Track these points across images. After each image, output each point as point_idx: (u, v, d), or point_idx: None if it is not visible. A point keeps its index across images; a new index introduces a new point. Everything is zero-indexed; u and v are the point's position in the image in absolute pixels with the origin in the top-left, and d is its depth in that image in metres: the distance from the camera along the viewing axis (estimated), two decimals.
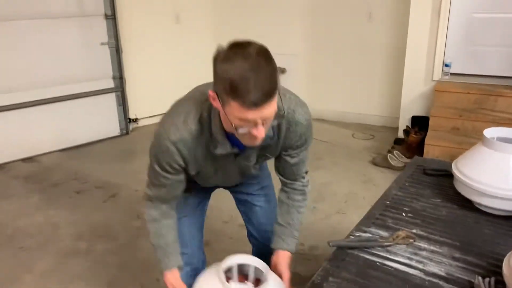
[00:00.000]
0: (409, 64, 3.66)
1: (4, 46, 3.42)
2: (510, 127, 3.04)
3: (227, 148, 1.11)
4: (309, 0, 4.25)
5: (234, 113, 0.93)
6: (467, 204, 1.15)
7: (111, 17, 3.88)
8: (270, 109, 0.93)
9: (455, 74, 3.60)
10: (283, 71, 4.31)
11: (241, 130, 0.96)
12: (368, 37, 4.08)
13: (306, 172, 1.31)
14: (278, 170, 1.30)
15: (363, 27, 4.06)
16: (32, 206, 2.80)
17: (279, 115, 1.05)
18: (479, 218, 1.10)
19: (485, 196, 1.04)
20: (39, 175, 3.33)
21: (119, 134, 4.19)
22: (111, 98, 4.09)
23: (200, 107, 1.09)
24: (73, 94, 3.84)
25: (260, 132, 0.96)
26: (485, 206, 1.07)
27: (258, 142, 1.02)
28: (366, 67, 4.16)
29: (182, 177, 1.19)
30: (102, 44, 3.92)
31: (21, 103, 3.57)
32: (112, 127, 4.16)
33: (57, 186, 3.11)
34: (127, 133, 4.23)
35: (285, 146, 1.20)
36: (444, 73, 3.58)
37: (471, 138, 3.08)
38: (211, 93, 0.97)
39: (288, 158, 1.24)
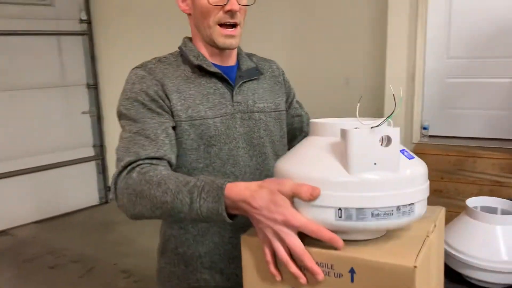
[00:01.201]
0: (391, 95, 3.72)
1: None
2: (491, 188, 3.07)
3: (209, 64, 1.08)
4: (288, 65, 4.37)
5: None
6: (457, 277, 1.11)
7: (93, 87, 3.92)
8: None
9: (434, 136, 3.67)
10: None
11: (213, 1, 1.00)
12: (345, 102, 4.17)
13: None
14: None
15: (341, 93, 4.18)
16: (3, 284, 2.64)
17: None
18: None
19: (474, 269, 1.00)
20: (12, 249, 3.18)
21: (98, 203, 4.10)
22: (91, 166, 4.05)
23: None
24: (52, 164, 3.79)
25: (235, 5, 1.01)
26: (475, 279, 1.03)
27: (234, 33, 1.05)
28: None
29: (169, 124, 1.00)
30: (83, 113, 3.94)
31: None
32: (91, 196, 4.07)
33: (31, 261, 2.96)
34: (106, 202, 4.14)
35: (287, 93, 1.26)
36: (423, 136, 3.64)
37: (454, 200, 3.08)
38: None
39: (299, 111, 1.30)
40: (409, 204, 0.68)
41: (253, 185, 0.75)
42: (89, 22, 4.13)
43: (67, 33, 3.95)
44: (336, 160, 0.68)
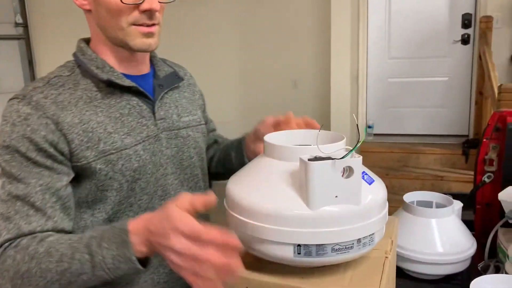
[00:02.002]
0: (334, 127, 3.82)
1: None
2: (432, 182, 3.20)
3: (120, 77, 0.86)
4: (240, 70, 4.38)
5: None
6: (397, 271, 1.14)
7: None
8: None
9: (378, 134, 3.80)
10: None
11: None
12: (294, 103, 4.24)
13: None
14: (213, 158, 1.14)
15: (289, 94, 4.23)
16: None
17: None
18: (408, 284, 1.08)
19: (412, 262, 1.03)
20: None
21: None
22: None
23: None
24: None
25: (154, 3, 0.81)
26: (414, 272, 1.06)
27: (153, 30, 0.85)
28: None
29: (61, 182, 0.78)
30: None
31: None
32: None
33: None
34: None
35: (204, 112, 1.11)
36: (368, 134, 3.76)
37: (399, 195, 3.17)
38: None
39: (212, 124, 1.17)
40: (370, 235, 0.65)
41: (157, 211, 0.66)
42: (25, 25, 3.95)
43: (2, 37, 3.76)
44: (295, 191, 0.62)
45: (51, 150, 0.77)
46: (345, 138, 0.72)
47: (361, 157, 0.63)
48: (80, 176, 0.82)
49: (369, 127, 3.74)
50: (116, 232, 0.67)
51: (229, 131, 1.09)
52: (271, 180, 0.66)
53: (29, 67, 3.96)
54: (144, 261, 0.69)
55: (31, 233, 0.74)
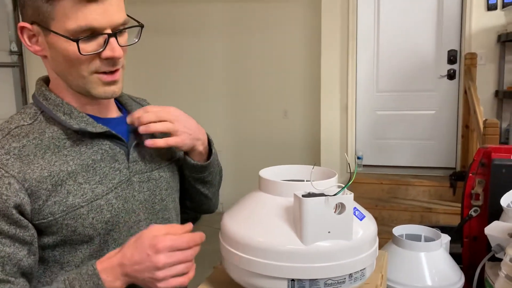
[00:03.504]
0: (324, 157, 3.85)
1: None
2: (421, 214, 3.21)
3: (94, 124, 0.79)
4: (231, 99, 4.44)
5: (67, 23, 0.69)
6: None
7: None
8: (118, 9, 0.73)
9: (368, 165, 3.83)
10: None
11: (86, 46, 0.72)
12: (284, 133, 4.29)
13: None
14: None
15: (280, 124, 4.28)
16: None
17: None
18: None
19: None
20: None
21: None
22: None
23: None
24: None
25: (116, 50, 0.74)
26: None
27: (116, 78, 0.78)
28: (287, 160, 4.31)
29: (24, 250, 0.72)
30: None
31: None
32: None
33: None
34: None
35: None
36: (358, 165, 3.79)
37: (388, 227, 3.18)
38: (23, 25, 0.74)
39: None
40: (361, 270, 0.67)
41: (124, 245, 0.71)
42: (19, 53, 3.99)
43: None
44: (289, 226, 0.64)
45: (16, 215, 0.70)
46: (337, 175, 0.74)
47: (352, 194, 0.65)
48: (45, 232, 0.75)
49: (358, 158, 3.79)
50: (86, 278, 0.68)
51: (220, 160, 1.09)
52: (266, 215, 0.68)
53: (22, 94, 3.99)
54: None
55: None
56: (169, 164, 0.95)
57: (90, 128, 0.79)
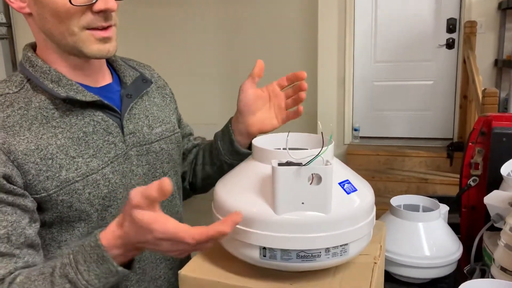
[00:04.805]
0: (321, 129, 3.83)
1: None
2: (418, 185, 3.23)
3: (83, 92, 0.74)
4: (225, 71, 4.37)
5: None
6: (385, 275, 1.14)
7: None
8: None
9: (364, 137, 3.82)
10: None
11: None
12: None
13: None
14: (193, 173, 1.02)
15: None
16: None
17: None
18: None
19: (399, 266, 1.03)
20: None
21: None
22: None
23: None
24: None
25: (110, 2, 0.70)
26: (401, 276, 1.06)
27: (110, 34, 0.73)
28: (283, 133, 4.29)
29: (25, 218, 0.69)
30: None
31: None
32: None
33: None
34: None
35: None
36: (354, 137, 3.78)
37: (385, 198, 3.20)
38: None
39: (188, 128, 1.05)
40: (341, 245, 0.63)
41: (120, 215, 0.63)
42: (9, 25, 3.88)
43: None
44: (266, 196, 0.63)
45: (8, 185, 0.66)
46: (332, 144, 0.72)
47: (332, 165, 0.61)
48: (40, 209, 0.72)
49: (355, 129, 3.77)
50: (89, 251, 0.63)
51: (214, 132, 1.06)
52: (251, 183, 0.67)
53: (13, 68, 3.90)
54: (128, 264, 0.66)
55: None
56: (171, 135, 0.90)
57: (80, 97, 0.73)
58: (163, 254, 0.64)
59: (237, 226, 0.63)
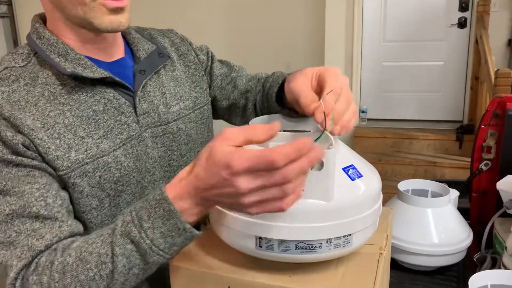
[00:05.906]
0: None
1: None
2: (426, 168, 3.17)
3: (92, 68, 0.69)
4: (231, 53, 4.30)
5: None
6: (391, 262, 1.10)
7: None
8: None
9: (372, 119, 3.75)
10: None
11: None
12: None
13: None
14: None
15: None
16: None
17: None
18: (402, 276, 1.04)
19: (406, 254, 0.99)
20: None
21: None
22: None
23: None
24: None
25: None
26: (408, 264, 1.02)
27: (123, 4, 0.68)
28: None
29: (54, 180, 0.65)
30: None
31: None
32: None
33: None
34: None
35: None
36: (361, 119, 3.71)
37: (392, 181, 3.16)
38: None
39: (229, 71, 0.95)
40: (344, 236, 0.58)
41: (192, 163, 0.54)
42: (9, 3, 3.82)
43: None
44: None
45: (28, 152, 0.63)
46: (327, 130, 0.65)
47: (335, 149, 0.55)
48: None
49: (363, 111, 3.70)
50: (154, 205, 0.55)
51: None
52: None
53: (14, 47, 3.86)
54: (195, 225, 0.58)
55: (48, 247, 0.61)
56: (189, 113, 0.83)
57: (87, 73, 0.68)
58: (232, 209, 0.55)
59: (232, 214, 0.58)
